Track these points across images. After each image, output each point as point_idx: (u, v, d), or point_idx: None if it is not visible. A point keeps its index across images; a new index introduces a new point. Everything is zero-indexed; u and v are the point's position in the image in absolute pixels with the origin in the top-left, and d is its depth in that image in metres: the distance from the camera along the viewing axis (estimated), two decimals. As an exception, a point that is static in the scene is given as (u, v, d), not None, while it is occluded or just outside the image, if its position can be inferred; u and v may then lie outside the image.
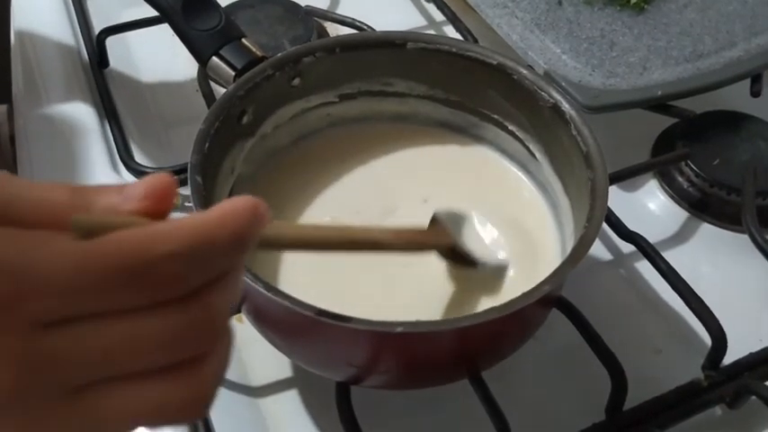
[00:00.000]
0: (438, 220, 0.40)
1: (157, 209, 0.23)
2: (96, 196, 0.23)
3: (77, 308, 0.21)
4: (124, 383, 0.22)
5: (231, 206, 0.23)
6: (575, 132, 0.41)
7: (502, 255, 0.43)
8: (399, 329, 0.32)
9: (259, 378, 0.43)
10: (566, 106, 0.42)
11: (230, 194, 0.42)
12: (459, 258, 0.41)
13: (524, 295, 0.34)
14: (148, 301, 0.21)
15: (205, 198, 0.37)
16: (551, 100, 0.43)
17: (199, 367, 0.23)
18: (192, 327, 0.22)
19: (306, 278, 0.40)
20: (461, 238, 0.41)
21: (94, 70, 0.59)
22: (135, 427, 0.23)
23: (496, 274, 0.42)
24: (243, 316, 0.43)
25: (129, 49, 0.63)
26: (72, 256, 0.21)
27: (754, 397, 0.41)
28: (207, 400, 0.23)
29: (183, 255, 0.21)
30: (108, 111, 0.56)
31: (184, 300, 0.22)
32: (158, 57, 0.62)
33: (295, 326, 0.36)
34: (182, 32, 0.46)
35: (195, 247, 0.21)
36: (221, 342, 0.24)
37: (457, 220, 0.41)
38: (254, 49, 0.45)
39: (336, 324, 0.32)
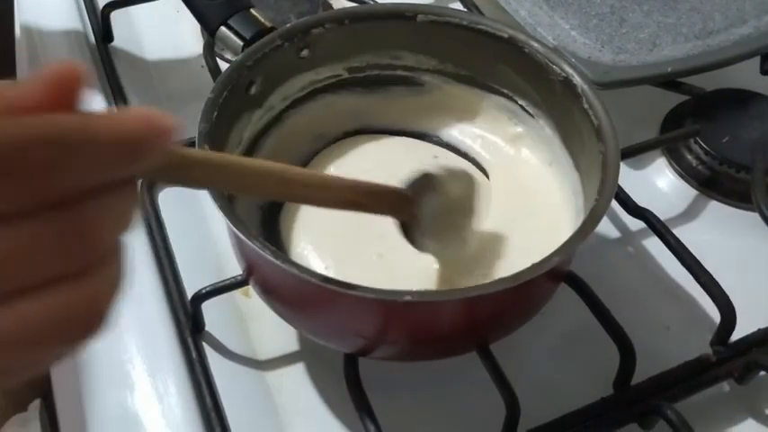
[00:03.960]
0: (419, 183, 0.36)
1: (59, 101, 0.19)
2: None
3: None
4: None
5: (126, 110, 0.20)
6: (586, 106, 0.41)
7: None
8: (407, 298, 0.32)
9: (266, 351, 0.43)
10: (577, 80, 0.42)
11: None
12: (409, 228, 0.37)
13: (534, 266, 0.34)
14: (14, 198, 0.19)
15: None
16: (563, 74, 0.42)
17: (75, 286, 0.20)
18: (60, 237, 0.19)
19: (315, 251, 0.40)
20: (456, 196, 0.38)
21: (99, 45, 0.59)
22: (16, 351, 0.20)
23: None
24: (250, 290, 0.43)
25: (133, 24, 0.62)
26: None
27: (762, 372, 0.41)
28: (89, 320, 0.21)
29: (56, 140, 0.18)
30: (112, 85, 0.56)
31: (56, 207, 0.19)
32: (163, 31, 0.61)
33: (302, 295, 0.36)
34: (190, 2, 0.45)
35: (71, 135, 0.19)
36: (106, 265, 0.21)
37: (459, 177, 0.39)
38: (262, 20, 0.44)
39: (342, 292, 0.32)
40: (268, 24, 0.44)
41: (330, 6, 0.64)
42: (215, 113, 0.38)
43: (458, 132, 0.49)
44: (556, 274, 0.38)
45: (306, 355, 0.43)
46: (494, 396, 0.38)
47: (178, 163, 0.23)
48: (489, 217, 0.43)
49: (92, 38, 0.60)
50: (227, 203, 0.36)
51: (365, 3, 0.60)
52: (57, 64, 0.19)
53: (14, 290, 0.19)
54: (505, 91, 0.46)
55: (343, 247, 0.41)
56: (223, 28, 0.44)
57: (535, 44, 0.43)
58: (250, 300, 0.45)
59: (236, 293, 0.44)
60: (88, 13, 0.61)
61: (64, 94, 0.19)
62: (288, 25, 0.43)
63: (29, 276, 0.20)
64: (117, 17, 0.59)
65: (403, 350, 0.38)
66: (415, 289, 0.33)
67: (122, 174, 0.20)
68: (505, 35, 0.44)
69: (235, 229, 0.34)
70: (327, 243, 0.41)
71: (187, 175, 0.24)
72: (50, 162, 0.18)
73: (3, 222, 0.19)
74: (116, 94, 0.55)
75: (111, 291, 0.21)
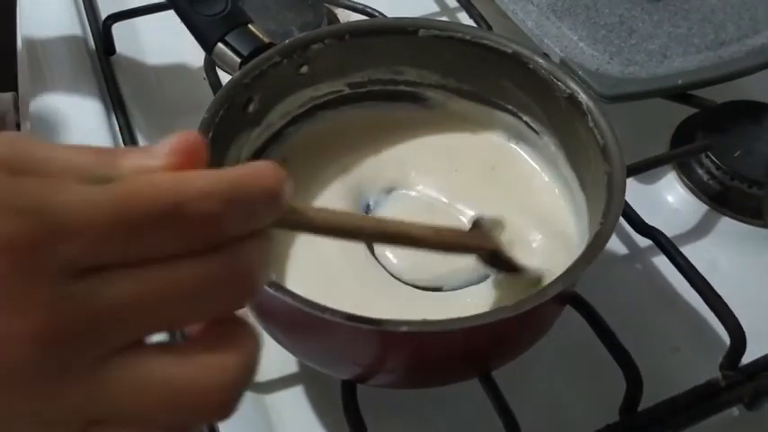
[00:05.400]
0: (480, 225, 0.39)
1: (186, 166, 0.21)
2: (122, 155, 0.21)
3: (108, 253, 0.20)
4: (149, 355, 0.21)
5: (261, 163, 0.22)
6: (592, 124, 0.40)
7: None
8: (404, 329, 0.31)
9: (264, 373, 0.43)
10: (583, 97, 0.41)
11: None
12: (499, 263, 0.39)
13: (536, 294, 0.33)
14: (181, 245, 0.21)
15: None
16: (568, 90, 0.41)
17: (224, 357, 0.21)
18: (224, 275, 0.21)
19: (310, 278, 0.39)
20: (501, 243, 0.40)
21: (101, 57, 0.58)
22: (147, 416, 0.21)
23: (534, 281, 0.40)
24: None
25: (136, 36, 0.62)
26: (101, 196, 0.19)
27: (773, 399, 0.40)
28: (229, 396, 0.22)
29: (216, 194, 0.21)
30: (114, 98, 0.55)
31: (217, 249, 0.21)
32: (166, 44, 0.61)
33: (297, 323, 0.35)
34: (186, 18, 0.45)
35: (228, 189, 0.21)
36: (248, 336, 0.22)
37: (495, 225, 0.40)
38: (260, 36, 0.44)
39: (339, 322, 0.31)
40: (266, 40, 0.44)
41: (335, 17, 0.63)
42: (210, 133, 0.38)
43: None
44: (559, 299, 0.37)
45: (304, 377, 0.42)
46: (496, 422, 0.37)
47: (295, 218, 0.26)
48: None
49: (93, 50, 0.59)
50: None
51: (370, 13, 0.59)
52: (180, 133, 0.22)
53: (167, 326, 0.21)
54: (510, 107, 0.45)
55: (340, 271, 0.40)
56: (220, 44, 0.43)
57: (540, 60, 0.42)
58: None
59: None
60: (90, 26, 0.61)
61: (187, 159, 0.21)
62: (286, 41, 0.42)
63: (194, 314, 0.21)
64: (119, 29, 0.59)
65: (401, 378, 0.37)
66: (414, 318, 0.32)
67: (266, 222, 0.22)
68: (509, 50, 0.43)
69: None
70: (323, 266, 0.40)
71: (298, 225, 0.27)
72: (212, 214, 0.21)
73: (169, 260, 0.20)
74: (117, 106, 0.55)
75: (254, 350, 0.23)
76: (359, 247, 0.41)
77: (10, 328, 0.18)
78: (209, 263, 0.21)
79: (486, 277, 0.40)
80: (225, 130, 0.39)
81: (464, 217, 0.43)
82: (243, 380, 0.22)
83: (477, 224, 0.39)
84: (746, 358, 0.41)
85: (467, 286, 0.40)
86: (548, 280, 0.38)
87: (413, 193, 0.45)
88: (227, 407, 0.22)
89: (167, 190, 0.20)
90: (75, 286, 0.19)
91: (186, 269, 0.21)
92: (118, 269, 0.20)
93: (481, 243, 0.38)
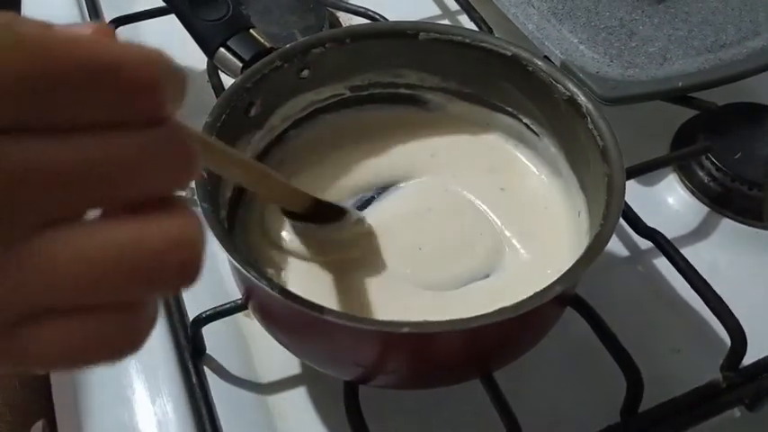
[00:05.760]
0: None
1: None
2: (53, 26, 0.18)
3: (35, 112, 0.17)
4: (59, 317, 0.18)
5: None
6: (591, 126, 0.40)
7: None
8: (405, 330, 0.31)
9: (267, 375, 0.43)
10: (582, 99, 0.41)
11: (234, 190, 0.41)
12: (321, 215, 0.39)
13: (536, 295, 0.33)
14: (114, 113, 0.18)
15: (210, 192, 0.36)
16: (567, 92, 0.41)
17: (171, 218, 0.19)
18: (160, 148, 0.19)
19: (312, 278, 0.39)
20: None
21: (105, 61, 0.58)
22: (54, 365, 0.20)
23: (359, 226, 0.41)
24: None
25: (139, 40, 0.62)
26: (28, 44, 0.17)
27: (774, 399, 0.40)
28: (187, 253, 0.19)
29: (157, 63, 0.18)
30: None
31: (151, 124, 0.19)
32: (170, 48, 0.60)
33: (299, 324, 0.35)
34: (188, 23, 0.45)
35: (167, 62, 0.19)
36: (191, 212, 0.20)
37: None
38: (262, 40, 0.44)
39: (340, 323, 0.31)
40: (268, 45, 0.44)
41: (337, 20, 0.64)
42: (213, 137, 0.38)
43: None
44: (560, 300, 0.37)
45: (307, 378, 0.43)
46: (497, 423, 0.37)
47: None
48: (492, 235, 0.43)
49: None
50: (224, 231, 0.35)
51: (371, 16, 0.59)
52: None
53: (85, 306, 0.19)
54: (510, 109, 0.46)
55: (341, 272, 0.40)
56: (222, 49, 0.43)
57: (539, 62, 0.43)
58: (252, 321, 0.44)
59: (239, 314, 0.44)
60: (94, 30, 0.61)
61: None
62: (287, 46, 0.42)
63: (133, 187, 0.19)
64: (124, 33, 0.59)
65: (403, 379, 0.37)
66: (414, 319, 0.32)
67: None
68: (509, 53, 0.43)
69: (231, 259, 0.33)
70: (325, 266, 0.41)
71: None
72: (153, 77, 0.18)
73: (101, 129, 0.18)
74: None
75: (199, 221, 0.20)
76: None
77: None
78: (143, 135, 0.19)
79: (486, 276, 0.41)
80: (227, 134, 0.39)
81: (463, 215, 0.43)
82: (198, 236, 0.20)
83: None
84: (747, 359, 0.41)
85: (468, 284, 0.40)
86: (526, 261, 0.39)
87: (411, 189, 0.45)
88: (187, 266, 0.19)
89: (106, 47, 0.18)
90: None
91: (119, 138, 0.18)
92: (44, 132, 0.18)
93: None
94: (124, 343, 0.20)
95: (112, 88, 0.18)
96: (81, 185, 0.18)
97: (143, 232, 0.19)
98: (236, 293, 0.41)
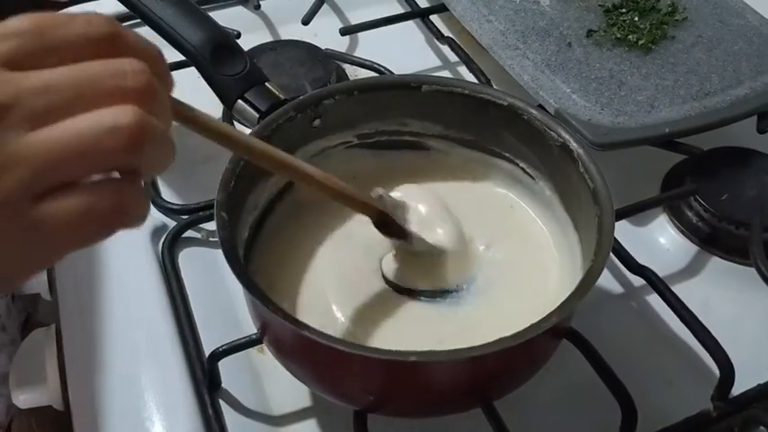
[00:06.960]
0: (381, 197, 0.42)
1: None
2: None
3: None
4: (62, 192, 0.26)
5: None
6: (582, 170, 0.43)
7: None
8: (413, 358, 0.34)
9: (279, 407, 0.45)
10: (574, 145, 0.44)
11: (251, 229, 0.44)
12: (389, 229, 0.42)
13: (533, 326, 0.35)
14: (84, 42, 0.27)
15: (230, 233, 0.39)
16: (560, 139, 0.45)
17: (125, 182, 0.27)
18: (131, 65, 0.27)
19: (325, 307, 0.42)
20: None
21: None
22: (67, 237, 0.26)
23: (433, 255, 0.44)
24: (264, 347, 0.45)
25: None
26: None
27: (761, 428, 0.42)
28: (135, 211, 0.28)
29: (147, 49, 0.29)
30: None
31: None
32: (185, 97, 0.64)
33: (313, 355, 0.38)
34: (209, 77, 0.48)
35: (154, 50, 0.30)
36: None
37: (397, 205, 0.43)
38: (277, 93, 0.47)
39: (351, 352, 0.34)
40: (282, 97, 0.47)
41: (343, 72, 0.67)
42: (232, 183, 0.41)
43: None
44: (556, 331, 0.40)
45: (317, 410, 0.45)
46: (499, 451, 0.39)
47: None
48: (488, 270, 0.45)
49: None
50: (240, 266, 0.38)
51: (377, 69, 0.63)
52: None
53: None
54: (507, 155, 0.49)
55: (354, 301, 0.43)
56: (240, 101, 0.47)
57: (534, 111, 0.46)
58: (265, 356, 0.47)
59: (252, 349, 0.46)
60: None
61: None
62: (300, 98, 0.46)
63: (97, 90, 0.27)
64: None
65: (410, 407, 0.39)
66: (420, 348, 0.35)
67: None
68: (505, 103, 0.46)
69: (248, 292, 0.36)
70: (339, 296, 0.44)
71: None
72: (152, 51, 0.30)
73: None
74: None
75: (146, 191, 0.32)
76: (363, 267, 0.45)
77: None
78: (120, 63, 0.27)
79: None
80: (245, 180, 0.42)
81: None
82: (144, 198, 0.29)
83: (379, 197, 0.43)
84: (737, 390, 0.44)
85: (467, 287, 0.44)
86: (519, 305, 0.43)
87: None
88: (135, 138, 0.26)
89: (109, 22, 0.28)
90: None
91: (99, 65, 0.27)
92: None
93: (370, 201, 0.41)
94: (122, 209, 0.27)
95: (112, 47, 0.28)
96: (64, 92, 0.26)
97: (100, 115, 0.26)
98: (249, 329, 0.44)
